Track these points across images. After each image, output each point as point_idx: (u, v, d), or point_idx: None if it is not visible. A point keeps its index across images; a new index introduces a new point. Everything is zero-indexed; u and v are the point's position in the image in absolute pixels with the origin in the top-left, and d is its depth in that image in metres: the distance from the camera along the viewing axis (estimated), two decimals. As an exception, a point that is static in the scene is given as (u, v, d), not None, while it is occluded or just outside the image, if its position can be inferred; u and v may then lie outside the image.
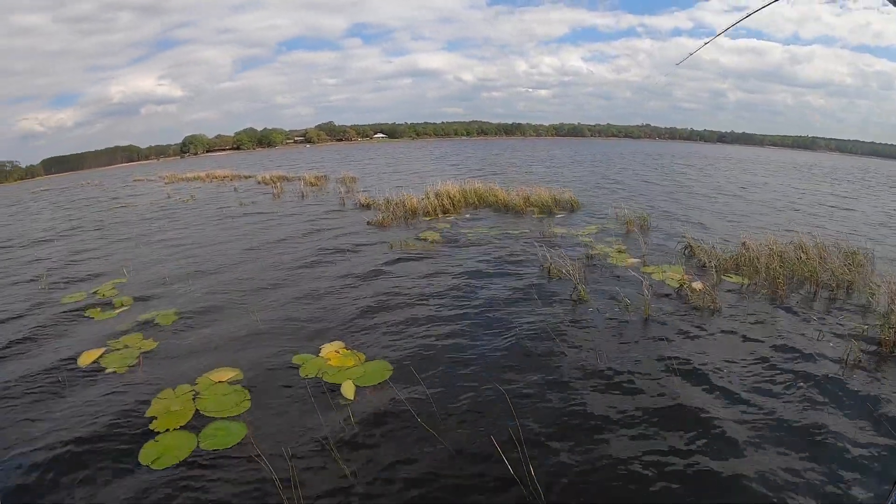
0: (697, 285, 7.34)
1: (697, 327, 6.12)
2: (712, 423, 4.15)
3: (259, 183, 27.57)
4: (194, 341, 6.10)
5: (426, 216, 13.87)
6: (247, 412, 4.46)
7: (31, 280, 9.68)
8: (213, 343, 6.00)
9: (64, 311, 7.56)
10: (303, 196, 20.43)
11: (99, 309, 7.49)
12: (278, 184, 24.56)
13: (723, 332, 6.01)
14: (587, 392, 4.63)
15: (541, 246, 8.90)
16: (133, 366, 5.52)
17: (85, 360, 5.74)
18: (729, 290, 7.48)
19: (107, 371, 5.43)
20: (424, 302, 7.15)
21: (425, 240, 10.94)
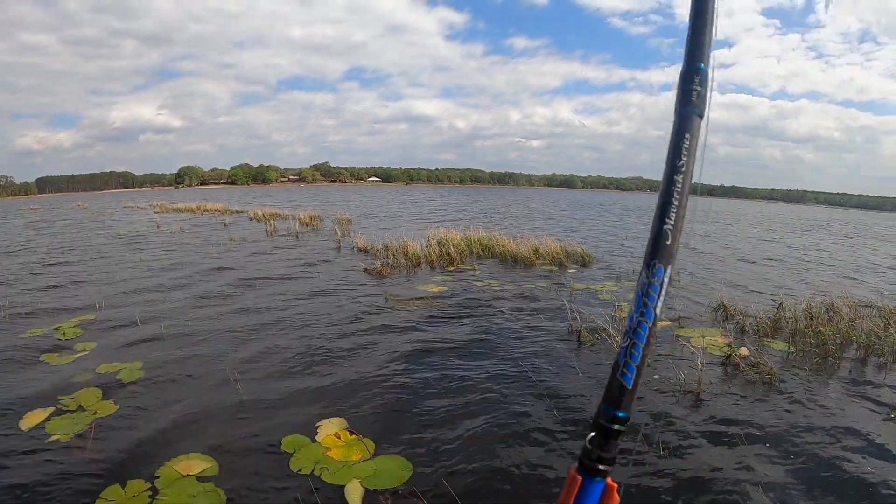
0: (744, 351, 6.61)
1: (760, 408, 5.18)
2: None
3: (251, 219, 26.74)
4: (160, 409, 4.95)
5: (429, 265, 13.02)
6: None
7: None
8: (182, 414, 4.84)
9: (18, 350, 6.53)
10: (296, 236, 19.52)
11: (57, 354, 6.43)
12: (271, 221, 23.71)
13: (793, 415, 5.04)
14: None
15: (567, 307, 8.02)
16: (82, 435, 4.48)
17: (27, 423, 4.68)
18: (776, 357, 6.69)
19: (49, 439, 4.36)
20: (435, 371, 6.06)
21: (429, 293, 9.94)
